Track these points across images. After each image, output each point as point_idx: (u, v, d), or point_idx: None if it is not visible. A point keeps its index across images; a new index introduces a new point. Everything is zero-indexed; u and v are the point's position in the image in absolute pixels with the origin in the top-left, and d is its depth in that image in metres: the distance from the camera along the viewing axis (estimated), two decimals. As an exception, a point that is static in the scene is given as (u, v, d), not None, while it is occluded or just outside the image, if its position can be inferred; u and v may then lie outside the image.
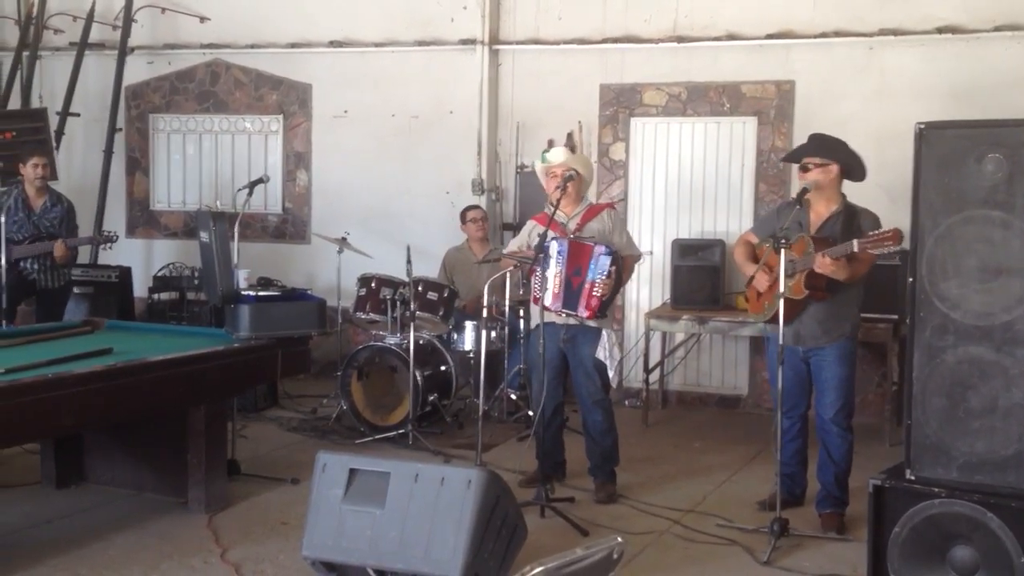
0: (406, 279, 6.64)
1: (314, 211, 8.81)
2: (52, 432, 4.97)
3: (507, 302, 6.94)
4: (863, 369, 6.70)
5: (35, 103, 9.00)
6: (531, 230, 5.65)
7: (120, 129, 9.03)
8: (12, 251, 6.80)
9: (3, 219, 6.68)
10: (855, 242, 4.70)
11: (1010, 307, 3.77)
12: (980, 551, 3.78)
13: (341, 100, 8.66)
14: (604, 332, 5.44)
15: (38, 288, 7.15)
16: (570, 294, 5.30)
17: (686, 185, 7.88)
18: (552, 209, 5.41)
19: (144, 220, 9.32)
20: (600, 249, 5.27)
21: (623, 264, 5.45)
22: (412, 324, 6.47)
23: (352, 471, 4.09)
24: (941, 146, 3.92)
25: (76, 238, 7.12)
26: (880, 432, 6.73)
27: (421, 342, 6.70)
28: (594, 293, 5.25)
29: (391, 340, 6.76)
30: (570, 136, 8.01)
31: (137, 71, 9.11)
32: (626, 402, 7.77)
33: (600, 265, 5.24)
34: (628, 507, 5.41)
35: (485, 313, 6.25)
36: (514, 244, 5.88)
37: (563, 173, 5.44)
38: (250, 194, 6.45)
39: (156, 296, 8.12)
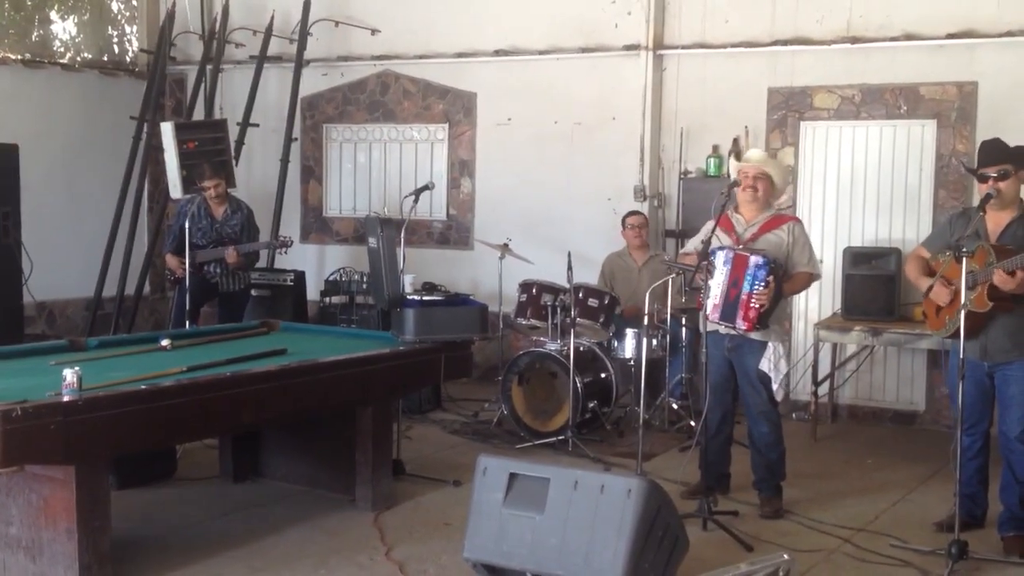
0: (567, 285, 6.65)
1: (477, 217, 8.94)
2: (229, 428, 5.21)
3: (669, 309, 6.85)
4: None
5: (217, 114, 9.44)
6: (709, 229, 5.53)
7: (296, 139, 9.40)
8: (195, 255, 7.18)
9: (187, 225, 7.06)
10: (1039, 248, 4.42)
11: None
12: None
13: (505, 108, 8.76)
14: (770, 344, 5.29)
15: (220, 291, 7.52)
16: (728, 306, 5.19)
17: (859, 191, 7.59)
18: (730, 211, 5.34)
19: (317, 226, 9.66)
20: (755, 260, 5.11)
21: (789, 276, 5.29)
22: (572, 330, 6.47)
23: (512, 475, 4.12)
24: None
25: (247, 244, 7.41)
26: (1071, 454, 6.29)
27: (581, 349, 6.69)
28: (752, 305, 5.10)
29: (552, 346, 6.78)
30: (736, 141, 7.84)
31: (312, 83, 9.45)
32: (793, 415, 7.53)
33: (756, 276, 5.09)
34: (795, 523, 5.25)
35: (646, 321, 6.18)
36: (691, 244, 5.77)
37: (754, 174, 5.35)
38: (416, 201, 6.59)
39: (327, 299, 8.41)
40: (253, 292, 7.95)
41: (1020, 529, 4.82)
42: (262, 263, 8.29)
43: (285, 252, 7.78)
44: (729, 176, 5.60)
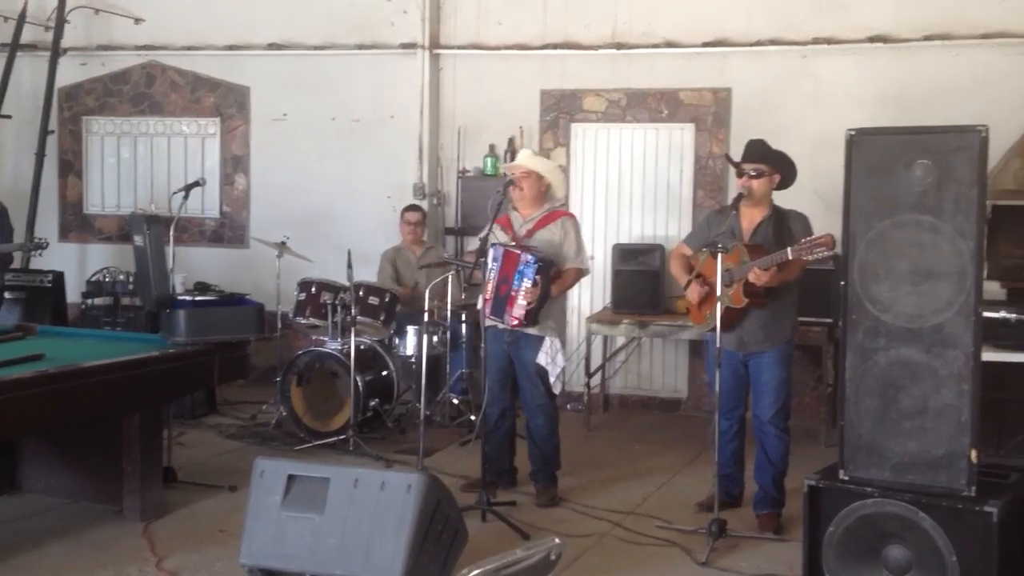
0: (347, 283, 6.60)
1: (253, 215, 8.72)
2: (-19, 440, 4.86)
3: (449, 306, 6.92)
4: (799, 372, 6.80)
5: (-35, 105, 8.80)
6: (492, 230, 5.62)
7: (53, 132, 8.85)
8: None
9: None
10: (789, 250, 4.78)
11: (939, 310, 3.86)
12: (913, 550, 3.86)
13: (281, 103, 8.59)
14: (547, 339, 5.44)
15: (-32, 293, 7.00)
16: (498, 301, 5.32)
17: (626, 190, 7.94)
18: (511, 210, 5.47)
19: (77, 224, 9.14)
20: (525, 258, 5.25)
21: (560, 274, 5.43)
22: (353, 329, 6.43)
23: (291, 477, 4.06)
24: (871, 152, 4.01)
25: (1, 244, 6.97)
26: (816, 434, 6.85)
27: (362, 347, 6.66)
28: (519, 302, 5.24)
29: (332, 345, 6.71)
30: (511, 141, 8.02)
31: (70, 73, 8.94)
32: (568, 406, 7.79)
33: (525, 274, 5.23)
34: (570, 510, 5.44)
35: (426, 317, 6.22)
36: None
37: (518, 174, 5.48)
38: (186, 197, 6.36)
39: (90, 301, 7.97)
40: (7, 294, 7.46)
41: (774, 507, 5.18)
42: (16, 263, 7.78)
43: (40, 254, 7.34)
44: (505, 175, 5.73)
